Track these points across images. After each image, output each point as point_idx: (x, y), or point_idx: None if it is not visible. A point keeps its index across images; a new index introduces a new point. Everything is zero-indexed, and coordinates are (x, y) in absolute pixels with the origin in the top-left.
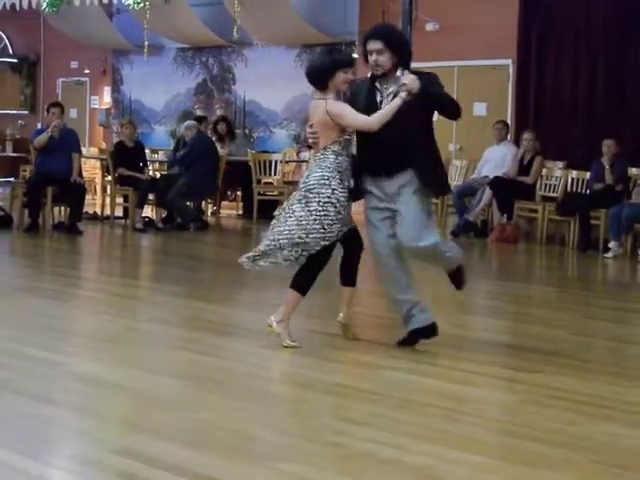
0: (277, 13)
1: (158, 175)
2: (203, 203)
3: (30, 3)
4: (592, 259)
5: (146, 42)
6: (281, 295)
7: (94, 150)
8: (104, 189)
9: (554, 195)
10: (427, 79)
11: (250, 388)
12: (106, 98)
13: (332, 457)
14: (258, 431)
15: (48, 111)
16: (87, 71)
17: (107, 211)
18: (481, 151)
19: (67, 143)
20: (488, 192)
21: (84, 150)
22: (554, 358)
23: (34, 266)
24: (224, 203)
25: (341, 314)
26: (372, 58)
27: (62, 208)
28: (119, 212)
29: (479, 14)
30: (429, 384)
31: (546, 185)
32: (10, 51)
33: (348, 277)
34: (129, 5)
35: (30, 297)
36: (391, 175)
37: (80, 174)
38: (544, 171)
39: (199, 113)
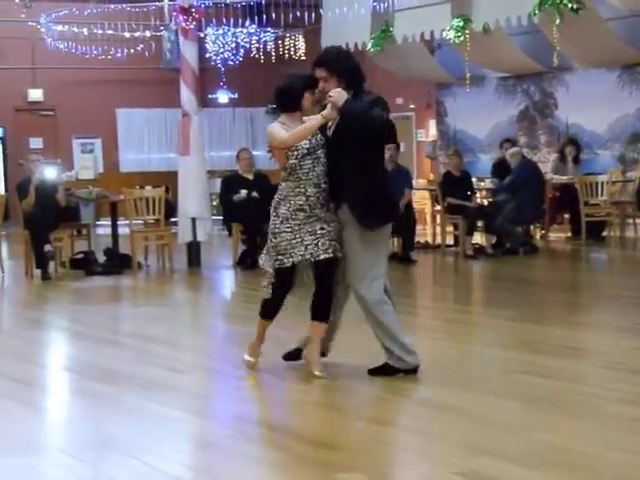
0: (596, 36)
1: (485, 202)
2: (532, 227)
3: (356, 45)
4: None
5: (468, 74)
6: None
7: (422, 181)
8: (434, 218)
9: None
10: (369, 100)
11: (590, 408)
12: (431, 131)
13: None
14: (600, 450)
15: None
16: (412, 106)
17: (438, 240)
18: None
19: (401, 178)
20: None
21: (413, 182)
22: None
23: None
24: (554, 226)
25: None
26: (320, 85)
27: (395, 238)
28: (450, 240)
29: None
30: None
31: None
32: None
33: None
34: (450, 39)
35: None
36: (335, 209)
37: (410, 205)
38: None
39: (523, 140)
